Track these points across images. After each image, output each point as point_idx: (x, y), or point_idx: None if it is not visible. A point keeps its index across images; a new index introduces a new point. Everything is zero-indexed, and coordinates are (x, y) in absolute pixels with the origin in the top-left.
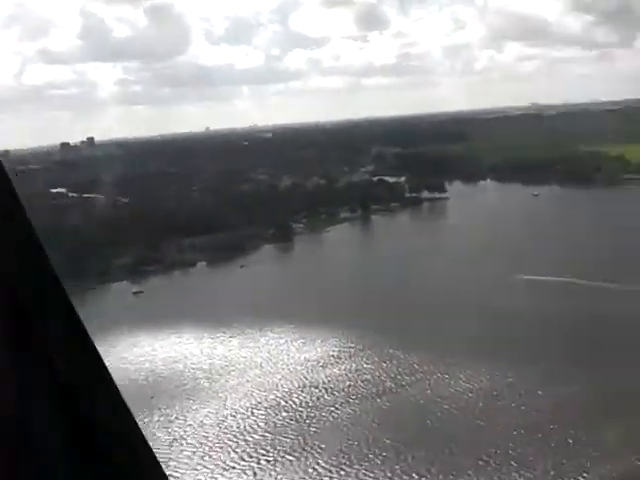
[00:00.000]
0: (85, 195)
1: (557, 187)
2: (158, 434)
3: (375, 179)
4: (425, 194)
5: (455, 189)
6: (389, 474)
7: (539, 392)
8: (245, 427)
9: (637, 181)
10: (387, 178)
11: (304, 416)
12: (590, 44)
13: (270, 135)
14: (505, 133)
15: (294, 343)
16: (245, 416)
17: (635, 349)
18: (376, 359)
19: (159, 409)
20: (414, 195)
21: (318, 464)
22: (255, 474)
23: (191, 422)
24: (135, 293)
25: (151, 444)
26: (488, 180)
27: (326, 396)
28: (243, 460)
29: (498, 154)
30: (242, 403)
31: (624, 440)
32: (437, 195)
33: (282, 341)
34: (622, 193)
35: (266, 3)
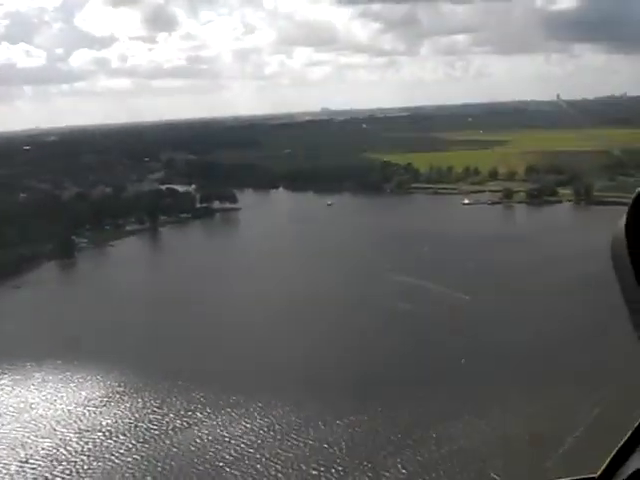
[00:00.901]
0: None
1: (349, 196)
2: None
3: (165, 188)
4: (216, 204)
5: (247, 198)
6: None
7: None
8: None
9: (424, 190)
10: (177, 187)
11: (84, 467)
12: (378, 52)
13: (54, 138)
14: (296, 140)
15: (74, 378)
16: (16, 471)
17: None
18: (165, 394)
19: None
20: (205, 205)
21: None
22: None
23: None
24: None
25: None
26: (280, 188)
27: (109, 441)
28: None
29: (289, 161)
30: (13, 455)
31: None
32: (228, 205)
33: (61, 377)
34: (410, 201)
35: (49, 0)
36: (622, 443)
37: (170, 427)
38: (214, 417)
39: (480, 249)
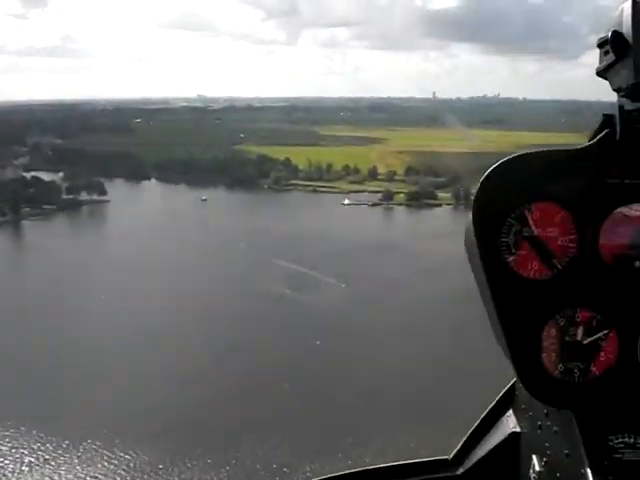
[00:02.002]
0: None
1: (224, 191)
2: None
3: (29, 176)
4: (84, 195)
5: (117, 190)
6: None
7: None
8: None
9: (303, 187)
10: (43, 175)
11: None
12: (257, 40)
13: None
14: (170, 126)
15: None
16: None
17: None
18: None
19: None
20: (72, 197)
21: None
22: None
23: None
24: None
25: None
26: (153, 180)
27: None
28: None
29: (163, 150)
30: None
31: None
32: (97, 197)
33: None
34: (288, 199)
35: None
36: (475, 425)
37: None
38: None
39: (357, 258)
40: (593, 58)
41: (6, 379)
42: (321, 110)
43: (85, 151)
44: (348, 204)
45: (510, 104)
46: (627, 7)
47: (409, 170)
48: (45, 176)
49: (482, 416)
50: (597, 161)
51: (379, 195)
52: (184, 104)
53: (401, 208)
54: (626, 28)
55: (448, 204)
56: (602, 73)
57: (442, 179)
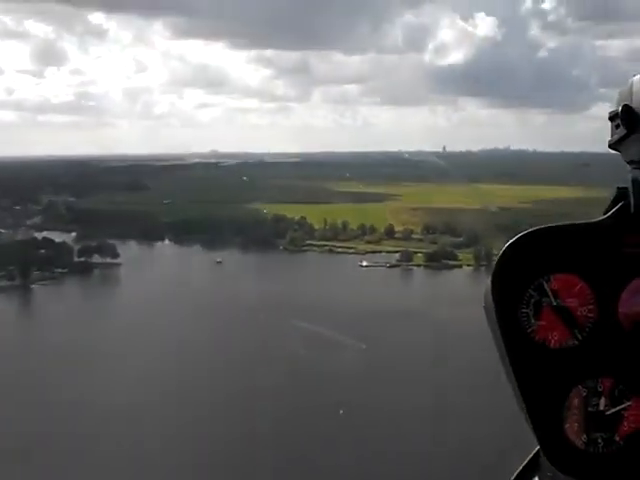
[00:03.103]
0: None
1: (239, 252)
2: None
3: (41, 237)
4: (96, 258)
5: (129, 251)
6: None
7: None
8: None
9: (318, 247)
10: (55, 236)
11: None
12: (269, 97)
13: None
14: (183, 184)
15: None
16: None
17: None
18: None
19: None
20: (83, 260)
21: None
22: None
23: None
24: None
25: None
26: (166, 241)
27: None
28: None
29: (176, 209)
30: None
31: None
32: (109, 260)
33: None
34: (304, 261)
35: None
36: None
37: None
38: None
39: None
40: (602, 109)
41: None
42: (332, 165)
43: (98, 210)
44: (366, 266)
45: (521, 157)
46: (637, 81)
47: (426, 229)
48: (57, 237)
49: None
50: (613, 233)
51: (397, 255)
52: (197, 160)
53: (420, 269)
54: (636, 102)
55: (468, 265)
56: (614, 146)
57: (460, 239)
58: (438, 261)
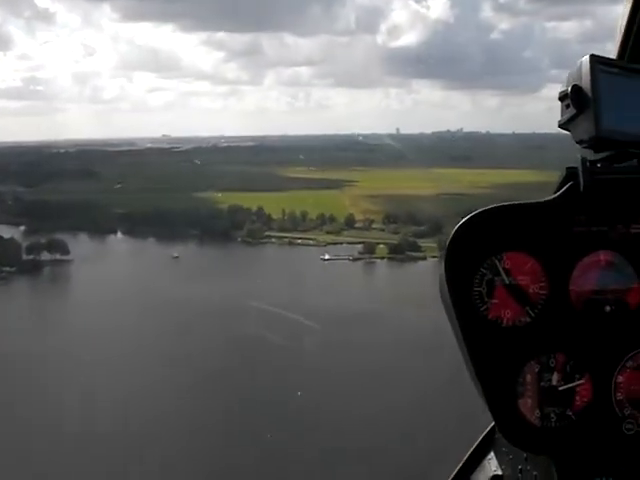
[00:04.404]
0: None
1: (196, 246)
2: None
3: None
4: (45, 255)
5: (81, 246)
6: None
7: None
8: None
9: (278, 239)
10: (3, 230)
11: None
12: (221, 80)
13: None
14: (136, 171)
15: None
16: None
17: None
18: None
19: None
20: (32, 257)
21: None
22: None
23: None
24: None
25: None
26: (119, 234)
27: None
28: None
29: (129, 199)
30: None
31: None
32: (59, 257)
33: None
34: (263, 254)
35: None
36: (458, 468)
37: None
38: None
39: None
40: (553, 91)
41: None
42: (287, 150)
43: (48, 201)
44: (328, 259)
45: (474, 138)
46: (585, 61)
47: (387, 218)
48: (4, 231)
49: (465, 458)
50: (563, 212)
51: (359, 247)
52: (150, 145)
53: (384, 262)
54: (585, 82)
55: (433, 256)
56: (564, 126)
57: (422, 227)
58: (402, 253)
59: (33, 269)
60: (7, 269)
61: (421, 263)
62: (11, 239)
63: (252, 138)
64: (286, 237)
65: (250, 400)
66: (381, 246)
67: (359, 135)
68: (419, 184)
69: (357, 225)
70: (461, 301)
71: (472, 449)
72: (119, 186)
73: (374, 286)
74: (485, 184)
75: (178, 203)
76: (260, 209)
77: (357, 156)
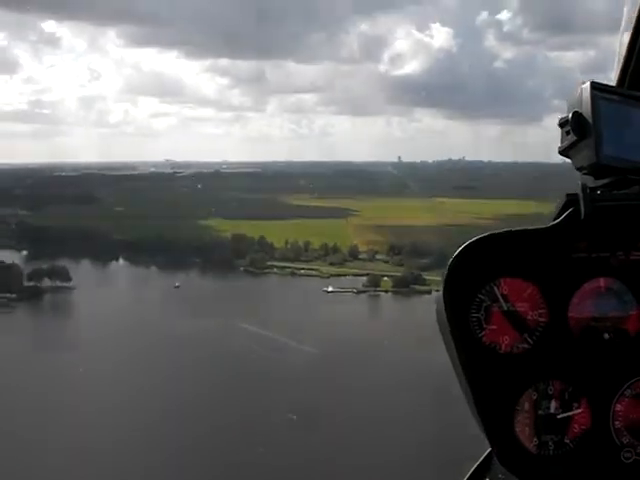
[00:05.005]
0: None
1: (198, 275)
2: None
3: None
4: (47, 282)
5: (82, 273)
6: None
7: None
8: None
9: (280, 269)
10: (4, 255)
11: None
12: (225, 106)
13: None
14: (138, 197)
15: None
16: None
17: None
18: None
19: None
20: (33, 284)
21: None
22: None
23: None
24: None
25: None
26: (121, 261)
27: None
28: None
29: (130, 225)
30: None
31: None
32: (60, 284)
33: None
34: (265, 285)
35: None
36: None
37: None
38: None
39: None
40: (555, 120)
41: None
42: (290, 176)
43: (50, 227)
44: (331, 291)
45: (476, 167)
46: (586, 88)
47: (391, 249)
48: (7, 256)
49: (477, 463)
50: (563, 238)
51: (364, 279)
52: (153, 169)
53: (388, 295)
54: (585, 109)
55: (437, 290)
56: (564, 152)
57: (427, 260)
58: (406, 286)
59: (33, 296)
60: (8, 295)
61: (426, 297)
62: (12, 265)
63: (255, 164)
64: (289, 267)
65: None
66: (385, 279)
67: (361, 163)
68: (422, 214)
69: (361, 256)
70: (459, 327)
71: (468, 474)
72: (120, 209)
73: (377, 321)
74: (489, 215)
75: (180, 230)
76: (262, 238)
77: (360, 184)
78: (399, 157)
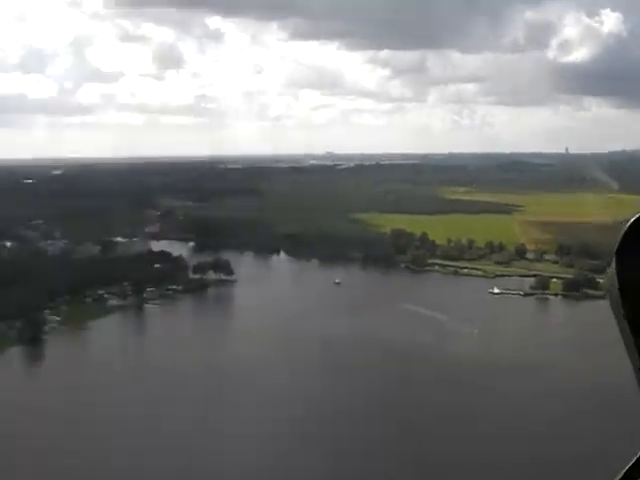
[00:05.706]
0: None
1: (358, 271)
2: None
3: (157, 249)
4: (211, 274)
5: (245, 266)
6: None
7: None
8: None
9: (442, 267)
10: (172, 246)
11: None
12: (385, 97)
13: (58, 172)
14: (299, 189)
15: None
16: None
17: None
18: None
19: None
20: (198, 277)
21: None
22: None
23: None
24: None
25: None
26: (282, 254)
27: None
28: None
29: (292, 218)
30: None
31: None
32: (223, 277)
33: None
34: (429, 285)
35: (62, 34)
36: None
37: None
38: None
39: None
40: None
41: None
42: (450, 169)
43: (215, 217)
44: (498, 293)
45: None
46: None
47: (560, 249)
48: (173, 248)
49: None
50: None
51: (531, 281)
52: (313, 162)
53: (558, 299)
54: None
55: None
56: None
57: (600, 261)
58: (577, 290)
59: (198, 289)
60: (174, 287)
61: (599, 303)
62: (179, 257)
63: (415, 156)
64: (451, 266)
65: None
66: (555, 281)
67: (521, 154)
68: (594, 210)
69: (528, 255)
70: (632, 302)
71: (623, 471)
72: (281, 202)
73: (553, 331)
74: None
75: (340, 223)
76: (424, 234)
77: (523, 177)
78: (566, 148)
